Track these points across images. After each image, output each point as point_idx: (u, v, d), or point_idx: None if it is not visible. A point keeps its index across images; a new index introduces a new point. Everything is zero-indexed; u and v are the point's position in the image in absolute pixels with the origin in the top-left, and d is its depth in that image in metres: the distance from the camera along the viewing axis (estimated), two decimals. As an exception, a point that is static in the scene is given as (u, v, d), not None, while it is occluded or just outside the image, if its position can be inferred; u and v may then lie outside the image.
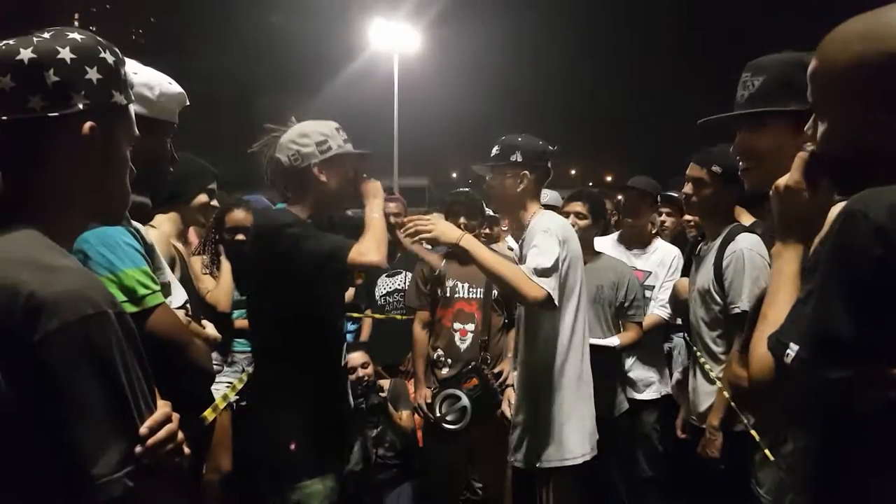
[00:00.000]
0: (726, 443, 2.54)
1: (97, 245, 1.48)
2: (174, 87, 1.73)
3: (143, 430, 0.99)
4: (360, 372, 3.55)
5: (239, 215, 3.38)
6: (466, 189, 3.63)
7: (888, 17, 1.03)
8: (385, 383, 3.74)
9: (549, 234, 2.48)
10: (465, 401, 3.09)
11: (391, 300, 4.02)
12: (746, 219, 2.72)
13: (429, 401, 3.21)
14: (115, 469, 0.94)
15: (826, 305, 0.99)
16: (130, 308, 1.49)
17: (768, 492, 1.96)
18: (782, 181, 1.21)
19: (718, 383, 2.58)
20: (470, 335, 3.28)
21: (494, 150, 2.70)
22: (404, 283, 3.98)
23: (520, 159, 2.64)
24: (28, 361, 0.92)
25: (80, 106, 1.06)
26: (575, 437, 2.55)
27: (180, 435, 1.06)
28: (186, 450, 1.08)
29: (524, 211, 2.68)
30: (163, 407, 1.05)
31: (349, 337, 3.66)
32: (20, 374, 0.92)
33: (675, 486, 3.32)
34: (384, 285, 4.04)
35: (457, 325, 3.29)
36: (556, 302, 2.41)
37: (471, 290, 3.31)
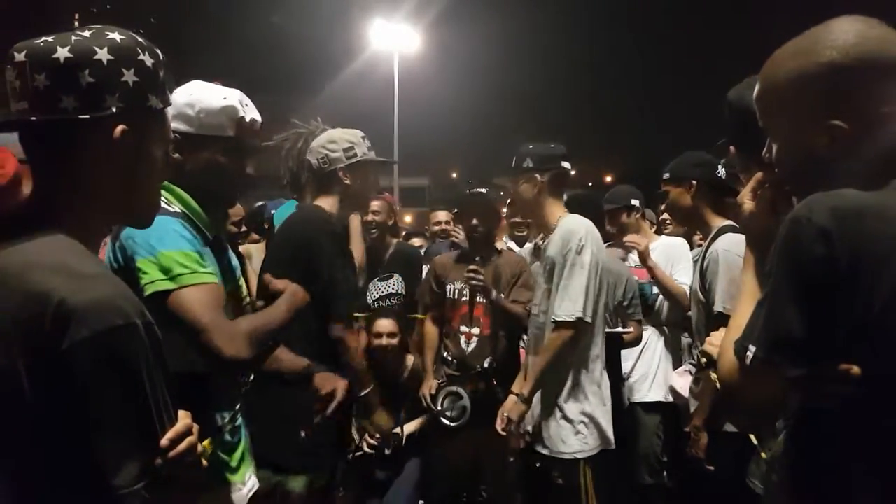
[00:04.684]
0: (716, 443, 2.55)
1: (147, 230, 1.45)
2: (213, 102, 1.74)
3: (164, 441, 0.99)
4: (384, 341, 3.50)
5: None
6: (481, 190, 3.54)
7: (814, 34, 1.12)
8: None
9: (580, 258, 2.63)
10: (466, 400, 3.11)
11: (385, 304, 3.94)
12: (717, 221, 2.74)
13: (433, 392, 3.24)
14: (135, 481, 0.94)
15: (777, 306, 1.04)
16: (166, 285, 1.48)
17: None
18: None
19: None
20: (475, 339, 3.27)
21: (513, 160, 2.87)
22: (398, 287, 3.94)
23: (531, 164, 2.81)
24: (55, 369, 0.91)
25: (114, 108, 1.05)
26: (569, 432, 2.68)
27: (200, 447, 1.06)
28: (204, 462, 1.08)
29: (546, 213, 2.84)
30: (184, 418, 1.05)
31: None
32: (47, 382, 0.92)
33: (675, 492, 3.31)
34: (377, 290, 3.93)
35: (462, 329, 3.30)
36: (590, 319, 2.63)
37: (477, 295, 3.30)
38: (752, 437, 2.18)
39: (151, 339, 0.99)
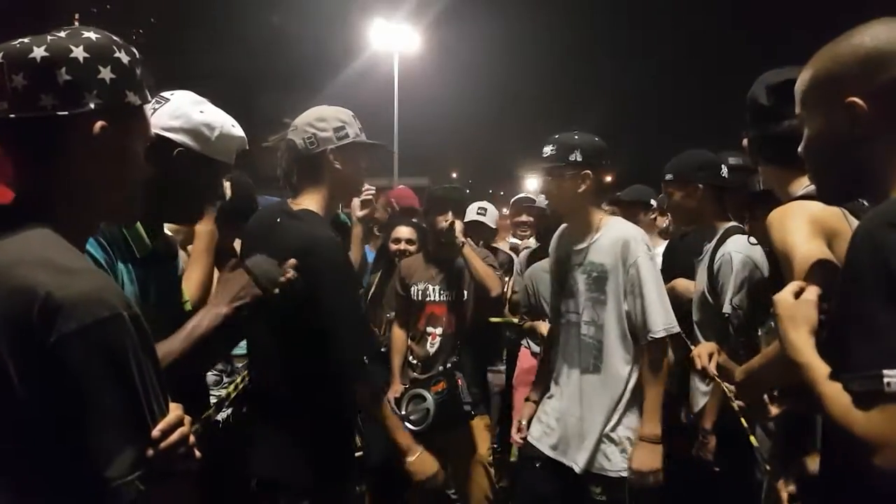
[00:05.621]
0: (723, 444, 2.55)
1: None
2: (236, 131, 1.77)
3: (155, 432, 1.00)
4: (403, 246, 3.59)
5: None
6: (455, 185, 3.63)
7: (852, 29, 1.16)
8: None
9: (653, 265, 2.51)
10: (429, 402, 3.04)
11: None
12: (722, 222, 2.75)
13: (397, 395, 3.19)
14: (129, 472, 0.95)
15: None
16: None
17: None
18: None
19: (707, 386, 2.60)
20: (439, 339, 3.26)
21: (549, 150, 2.56)
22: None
23: (580, 158, 2.52)
24: (44, 363, 0.92)
25: (92, 105, 1.06)
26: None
27: (192, 438, 1.06)
28: (198, 453, 1.08)
29: (588, 213, 2.59)
30: (175, 410, 1.05)
31: None
32: (35, 375, 0.93)
33: (676, 492, 3.29)
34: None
35: (428, 329, 3.30)
36: (677, 326, 2.52)
37: (441, 293, 3.30)
38: (752, 438, 2.18)
39: (139, 330, 1.00)
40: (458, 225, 3.22)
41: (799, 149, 1.25)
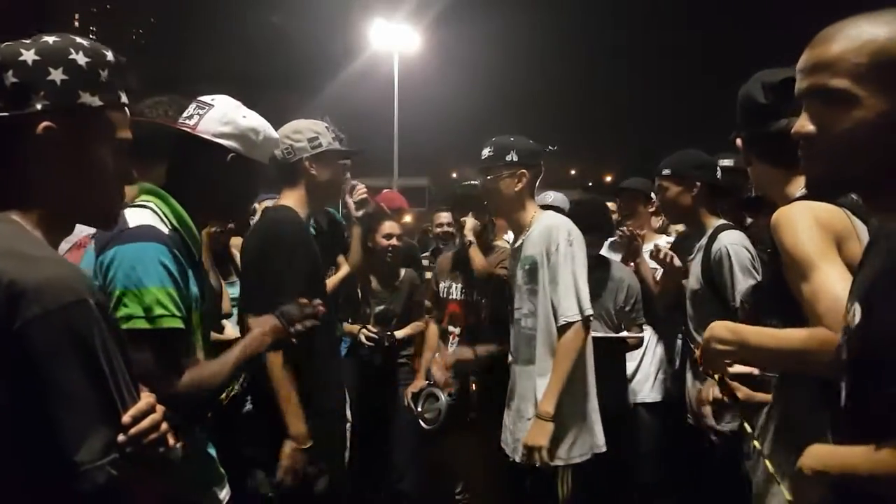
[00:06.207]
0: (720, 440, 2.55)
1: (132, 259, 1.49)
2: (272, 133, 1.87)
3: (125, 418, 1.00)
4: (395, 241, 3.63)
5: None
6: (474, 183, 3.57)
7: (888, 11, 1.02)
8: None
9: (572, 251, 2.53)
10: (442, 402, 3.05)
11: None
12: (713, 220, 2.77)
13: (415, 391, 3.19)
14: (99, 456, 0.94)
15: None
16: (143, 324, 1.46)
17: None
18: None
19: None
20: (458, 338, 3.24)
21: (487, 152, 2.69)
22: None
23: (516, 158, 2.65)
24: (9, 349, 0.93)
25: (39, 106, 1.06)
26: (584, 434, 2.57)
27: (164, 425, 1.06)
28: (171, 440, 1.08)
29: (523, 211, 2.70)
30: (146, 397, 1.05)
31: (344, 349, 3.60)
32: (3, 363, 0.93)
33: (676, 491, 3.30)
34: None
35: (450, 328, 3.28)
36: (590, 312, 2.54)
37: (460, 291, 3.29)
38: (745, 425, 2.19)
39: (105, 316, 1.00)
40: (469, 223, 3.24)
41: (798, 127, 1.08)
